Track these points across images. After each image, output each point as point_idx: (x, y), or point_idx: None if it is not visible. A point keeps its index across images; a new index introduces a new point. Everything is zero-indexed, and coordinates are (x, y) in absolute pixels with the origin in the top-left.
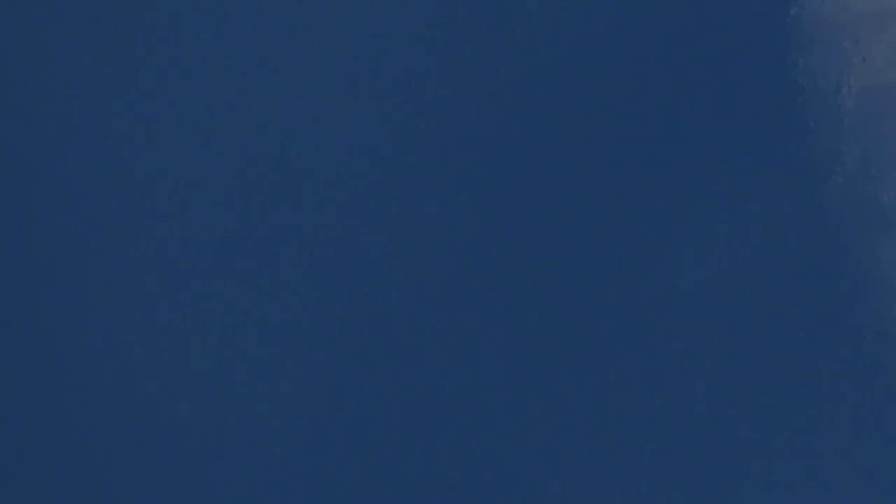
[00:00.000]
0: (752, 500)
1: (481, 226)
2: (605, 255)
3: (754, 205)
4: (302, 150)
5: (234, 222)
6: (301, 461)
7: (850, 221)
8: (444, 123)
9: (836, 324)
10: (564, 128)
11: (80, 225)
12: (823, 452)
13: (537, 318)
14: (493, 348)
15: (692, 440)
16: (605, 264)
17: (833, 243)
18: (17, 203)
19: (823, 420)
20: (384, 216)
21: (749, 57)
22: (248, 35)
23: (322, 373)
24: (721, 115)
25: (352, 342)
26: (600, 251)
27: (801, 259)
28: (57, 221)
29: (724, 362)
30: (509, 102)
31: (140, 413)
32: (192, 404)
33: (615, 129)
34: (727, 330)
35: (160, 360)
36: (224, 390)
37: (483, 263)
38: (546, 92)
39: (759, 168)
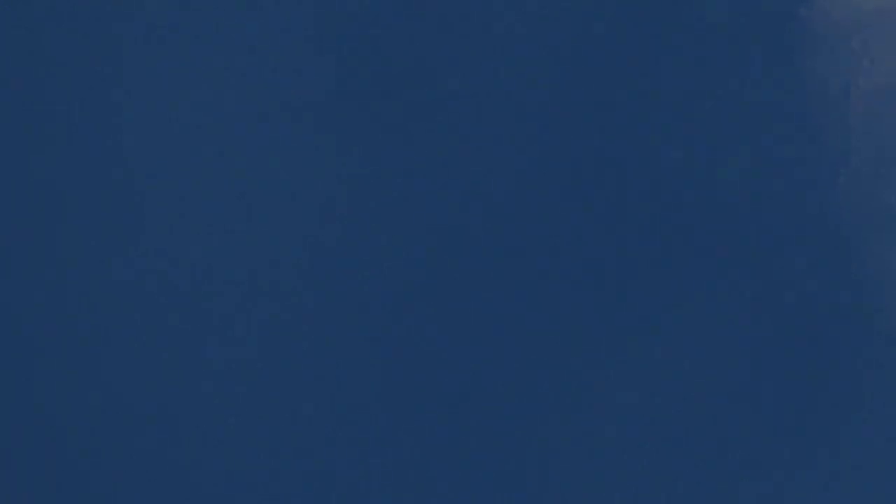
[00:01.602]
0: (751, 500)
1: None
2: (608, 256)
3: (761, 206)
4: (301, 148)
5: (231, 222)
6: (300, 462)
7: (857, 223)
8: (443, 123)
9: (843, 326)
10: (567, 130)
11: (74, 224)
12: (827, 455)
13: (536, 321)
14: (492, 352)
15: (694, 442)
16: (609, 265)
17: (840, 245)
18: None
19: (829, 422)
20: (381, 220)
21: (756, 58)
22: (245, 35)
23: (321, 374)
24: (727, 116)
25: (351, 344)
26: (605, 251)
27: (807, 261)
28: (54, 222)
29: (728, 364)
30: (509, 107)
31: (135, 414)
32: (189, 405)
33: (618, 130)
34: (731, 331)
35: (155, 361)
36: (221, 392)
37: (482, 269)
38: (548, 91)
39: (765, 169)
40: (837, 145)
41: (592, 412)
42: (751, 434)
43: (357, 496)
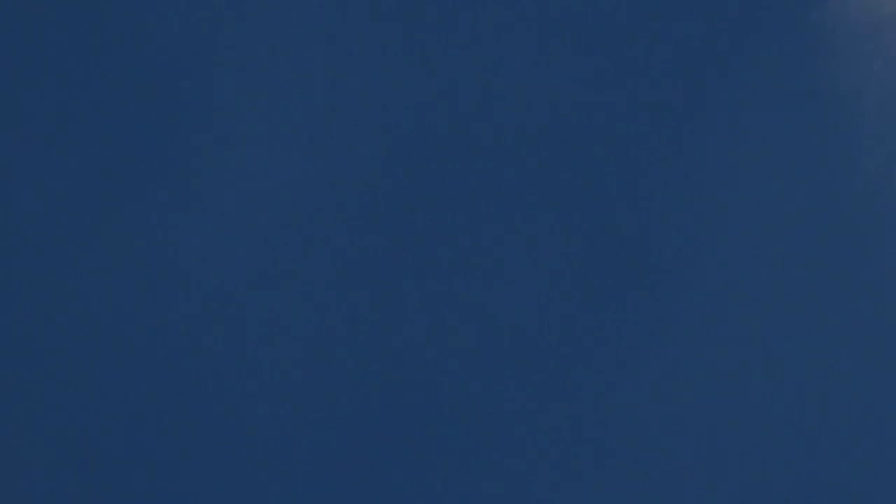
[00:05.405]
0: (752, 499)
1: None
2: (613, 255)
3: (774, 208)
4: (303, 155)
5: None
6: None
7: (870, 226)
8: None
9: (857, 331)
10: (575, 129)
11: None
12: (828, 456)
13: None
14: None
15: (696, 442)
16: (613, 263)
17: (854, 249)
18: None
19: (831, 422)
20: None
21: (770, 60)
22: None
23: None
24: (741, 118)
25: (350, 345)
26: (608, 251)
27: (820, 265)
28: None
29: (729, 364)
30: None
31: (134, 417)
32: (188, 407)
33: (631, 129)
34: (741, 334)
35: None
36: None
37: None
38: (560, 94)
39: (779, 171)
40: (849, 146)
41: (591, 411)
42: (751, 435)
43: (354, 496)
